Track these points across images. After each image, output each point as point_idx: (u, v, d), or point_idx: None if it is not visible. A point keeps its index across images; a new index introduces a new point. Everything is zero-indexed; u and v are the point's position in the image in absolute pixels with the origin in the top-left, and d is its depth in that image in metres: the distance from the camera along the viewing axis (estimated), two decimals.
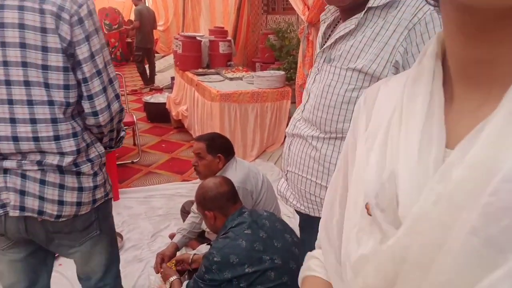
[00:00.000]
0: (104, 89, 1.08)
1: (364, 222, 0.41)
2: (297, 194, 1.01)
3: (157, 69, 7.21)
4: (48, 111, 1.02)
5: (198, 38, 4.60)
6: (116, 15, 8.89)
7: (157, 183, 3.30)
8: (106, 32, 8.54)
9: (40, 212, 1.08)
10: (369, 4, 0.83)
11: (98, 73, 1.06)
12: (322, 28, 1.02)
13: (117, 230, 2.24)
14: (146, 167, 3.61)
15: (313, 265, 0.59)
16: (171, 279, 1.75)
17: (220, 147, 2.11)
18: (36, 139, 1.03)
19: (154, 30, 6.95)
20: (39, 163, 1.06)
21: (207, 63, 4.67)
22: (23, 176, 1.05)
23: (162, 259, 1.97)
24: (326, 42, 0.98)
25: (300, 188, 0.98)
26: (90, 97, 1.07)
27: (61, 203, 1.09)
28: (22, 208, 1.07)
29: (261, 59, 4.83)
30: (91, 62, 1.04)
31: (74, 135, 1.07)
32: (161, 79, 7.04)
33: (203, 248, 1.94)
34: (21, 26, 0.95)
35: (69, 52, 1.00)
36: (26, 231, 1.11)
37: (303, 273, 0.60)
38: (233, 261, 1.47)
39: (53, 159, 1.06)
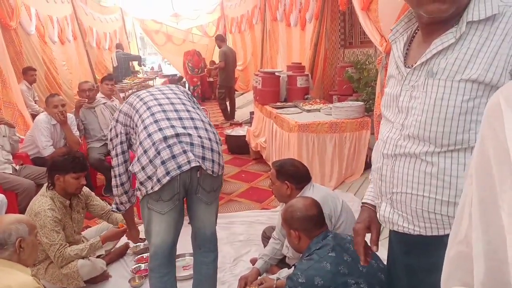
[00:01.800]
0: (205, 116, 2.01)
1: None
2: (409, 215, 0.97)
3: (236, 105, 7.63)
4: (203, 118, 1.92)
5: (277, 74, 4.83)
6: (199, 60, 9.73)
7: (238, 210, 3.44)
8: (189, 73, 9.40)
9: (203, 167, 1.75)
10: (469, 19, 0.87)
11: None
12: (398, 47, 1.03)
13: None
14: (228, 195, 3.80)
15: None
16: None
17: (288, 174, 2.09)
18: (205, 130, 1.84)
19: (235, 69, 7.45)
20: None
21: (285, 97, 4.85)
22: (191, 144, 1.74)
23: (246, 283, 2.05)
24: (405, 60, 1.01)
25: (416, 207, 0.95)
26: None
27: (212, 161, 1.77)
28: (195, 162, 1.71)
29: (339, 92, 4.85)
30: (199, 110, 2.04)
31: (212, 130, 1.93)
32: (240, 115, 7.42)
33: (284, 272, 1.96)
34: (176, 94, 2.00)
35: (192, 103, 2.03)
36: (190, 181, 1.75)
37: None
38: (317, 283, 1.47)
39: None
